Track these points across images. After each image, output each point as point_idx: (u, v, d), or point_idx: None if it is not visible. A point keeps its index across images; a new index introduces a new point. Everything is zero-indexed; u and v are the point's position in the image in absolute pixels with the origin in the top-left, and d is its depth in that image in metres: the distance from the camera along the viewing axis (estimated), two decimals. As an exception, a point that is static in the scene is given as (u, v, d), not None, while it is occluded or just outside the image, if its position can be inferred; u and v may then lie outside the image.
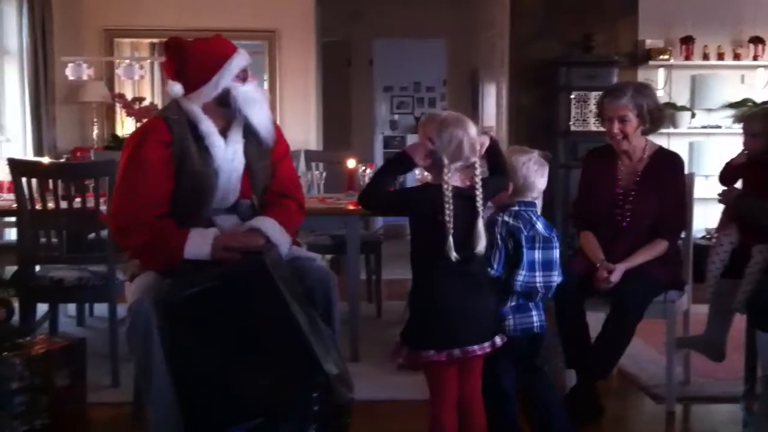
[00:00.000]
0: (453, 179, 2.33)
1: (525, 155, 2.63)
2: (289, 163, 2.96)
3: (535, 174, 2.62)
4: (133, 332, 2.48)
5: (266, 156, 2.81)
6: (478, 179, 2.36)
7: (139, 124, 6.62)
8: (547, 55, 6.04)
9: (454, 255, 2.28)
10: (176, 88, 2.66)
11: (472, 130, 2.36)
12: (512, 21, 6.24)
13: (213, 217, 2.68)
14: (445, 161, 2.31)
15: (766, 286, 3.01)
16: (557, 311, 3.10)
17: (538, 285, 2.58)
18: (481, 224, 2.35)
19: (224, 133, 2.72)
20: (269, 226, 2.68)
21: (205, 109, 2.68)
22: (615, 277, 3.07)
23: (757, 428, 3.10)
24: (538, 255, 2.57)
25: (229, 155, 2.70)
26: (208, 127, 2.67)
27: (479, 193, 2.35)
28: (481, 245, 2.35)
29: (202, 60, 2.65)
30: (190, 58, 2.65)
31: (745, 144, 3.37)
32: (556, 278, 2.62)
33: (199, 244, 2.55)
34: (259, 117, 2.73)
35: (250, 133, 2.75)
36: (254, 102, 2.71)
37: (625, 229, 3.22)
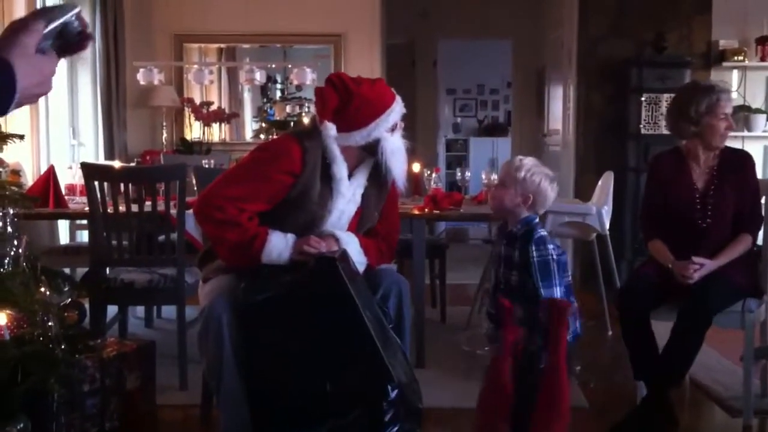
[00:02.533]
0: None
1: (538, 167, 2.55)
2: (396, 212, 2.94)
3: (551, 187, 2.55)
4: (205, 334, 2.49)
5: (381, 202, 2.79)
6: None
7: (220, 125, 6.75)
8: (618, 54, 5.90)
9: None
10: (332, 132, 2.60)
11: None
12: (581, 19, 6.11)
13: None
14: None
15: None
16: (623, 319, 3.04)
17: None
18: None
19: (351, 172, 2.68)
20: (347, 239, 2.64)
21: (344, 150, 2.63)
22: (703, 271, 3.00)
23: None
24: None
25: (347, 196, 2.67)
26: (341, 171, 2.63)
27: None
28: None
29: (365, 106, 2.60)
30: (354, 102, 2.59)
31: None
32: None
33: (279, 249, 2.53)
34: (399, 169, 2.68)
35: (374, 179, 2.72)
36: (399, 154, 2.67)
37: (707, 231, 3.15)
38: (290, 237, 2.57)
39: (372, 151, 2.64)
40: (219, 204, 2.54)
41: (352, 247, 2.63)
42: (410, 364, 2.58)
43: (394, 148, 2.65)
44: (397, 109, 2.66)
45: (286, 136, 2.73)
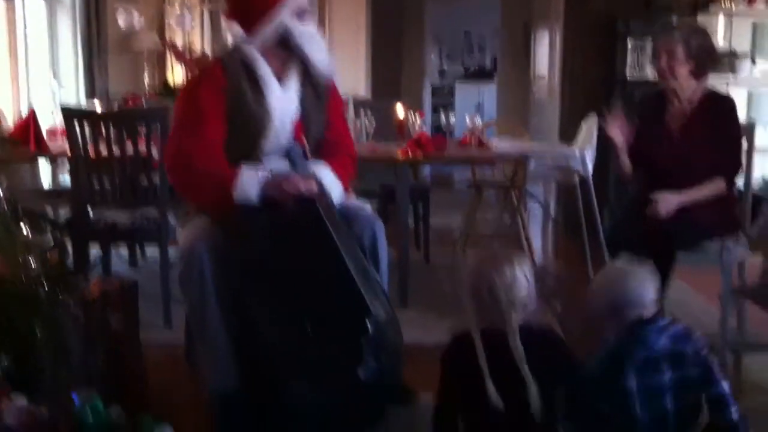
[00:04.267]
0: None
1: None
2: (343, 119, 2.96)
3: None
4: (187, 277, 2.50)
5: (322, 107, 2.80)
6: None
7: (190, 72, 6.68)
8: (604, 1, 5.87)
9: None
10: (235, 29, 2.63)
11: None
12: (568, -34, 6.06)
13: (264, 160, 2.68)
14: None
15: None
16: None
17: None
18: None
19: (281, 77, 2.70)
20: (324, 173, 2.67)
21: (264, 52, 2.65)
22: (668, 205, 3.05)
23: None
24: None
25: (284, 99, 2.68)
26: (264, 69, 2.65)
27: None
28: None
29: None
30: None
31: None
32: None
33: (249, 182, 2.53)
34: (319, 56, 2.69)
35: (308, 83, 2.73)
36: (314, 40, 2.68)
37: (674, 174, 3.16)
38: (261, 170, 2.58)
39: (288, 46, 2.63)
40: (182, 160, 2.57)
41: (327, 177, 2.65)
42: (390, 302, 2.60)
43: (306, 33, 2.64)
44: None
45: (210, 60, 2.78)
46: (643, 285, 2.17)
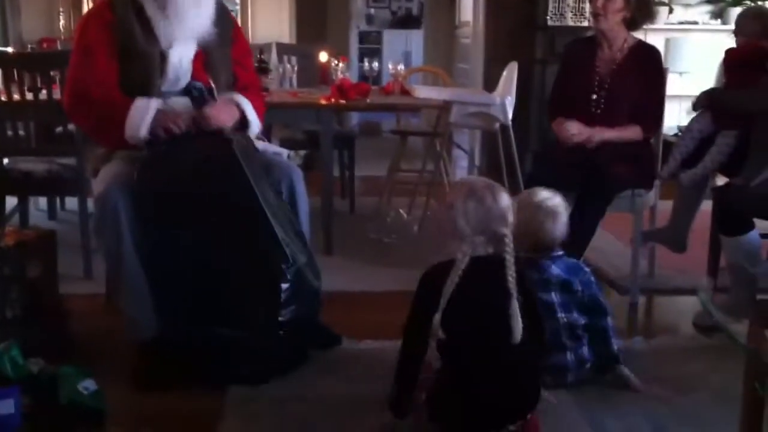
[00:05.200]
0: (478, 251, 2.02)
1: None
2: (251, 62, 3.00)
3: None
4: (102, 224, 2.48)
5: (224, 44, 2.79)
6: (509, 254, 2.01)
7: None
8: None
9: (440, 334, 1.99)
10: None
11: (503, 198, 2.05)
12: None
13: (164, 99, 2.65)
14: (467, 231, 2.01)
15: (729, 192, 3.04)
16: None
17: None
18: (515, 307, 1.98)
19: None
20: (245, 102, 2.71)
21: None
22: (581, 136, 3.15)
23: (719, 318, 3.20)
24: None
25: (170, 35, 2.66)
26: (153, 9, 2.63)
27: (510, 271, 2.00)
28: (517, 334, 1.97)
29: None
30: None
31: (737, 43, 3.37)
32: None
33: (139, 115, 2.54)
34: (197, 19, 2.67)
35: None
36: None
37: (599, 117, 3.24)
38: (153, 100, 2.59)
39: None
40: (79, 100, 2.61)
41: (249, 110, 2.70)
42: (308, 246, 2.62)
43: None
44: None
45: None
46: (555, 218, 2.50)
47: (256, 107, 2.78)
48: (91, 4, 6.38)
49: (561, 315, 2.43)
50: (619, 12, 3.21)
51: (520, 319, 1.96)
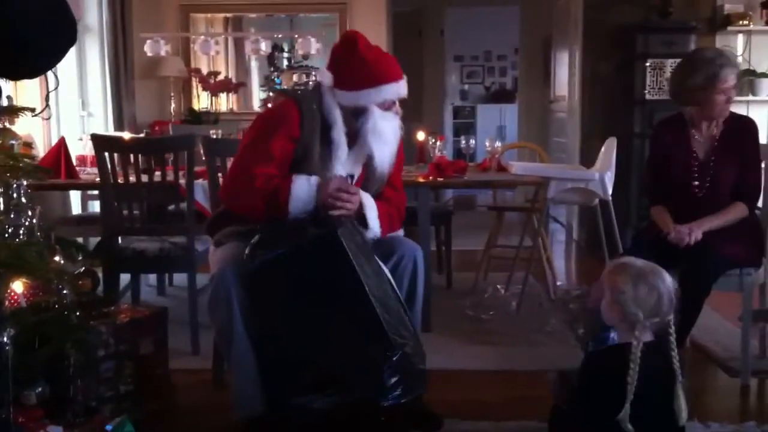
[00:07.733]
0: (645, 337, 2.06)
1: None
2: (400, 176, 2.94)
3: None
4: (215, 301, 2.56)
5: (391, 166, 2.79)
6: (672, 335, 2.04)
7: (227, 95, 6.78)
8: (623, 20, 5.91)
9: (629, 428, 1.97)
10: (326, 78, 2.66)
11: (669, 280, 2.11)
12: (587, -15, 6.11)
13: None
14: (641, 317, 2.05)
15: None
16: None
17: None
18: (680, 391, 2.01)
19: (351, 144, 2.69)
20: (369, 204, 2.67)
21: (342, 110, 2.64)
22: (695, 236, 3.03)
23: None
24: None
25: (343, 159, 2.67)
26: (339, 136, 2.64)
27: (674, 352, 2.03)
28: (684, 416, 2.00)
29: (361, 68, 2.60)
30: (353, 60, 2.61)
31: None
32: None
33: (304, 194, 2.56)
34: (379, 150, 2.66)
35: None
36: (383, 135, 2.64)
37: (703, 200, 3.18)
38: (314, 179, 2.59)
39: (359, 119, 2.62)
40: (246, 182, 2.59)
41: (371, 214, 2.67)
42: (417, 333, 2.62)
43: (378, 127, 2.62)
44: (395, 89, 2.63)
45: (286, 100, 2.74)
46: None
47: (382, 212, 2.72)
48: (197, 89, 6.75)
49: None
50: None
51: (684, 401, 1.96)
